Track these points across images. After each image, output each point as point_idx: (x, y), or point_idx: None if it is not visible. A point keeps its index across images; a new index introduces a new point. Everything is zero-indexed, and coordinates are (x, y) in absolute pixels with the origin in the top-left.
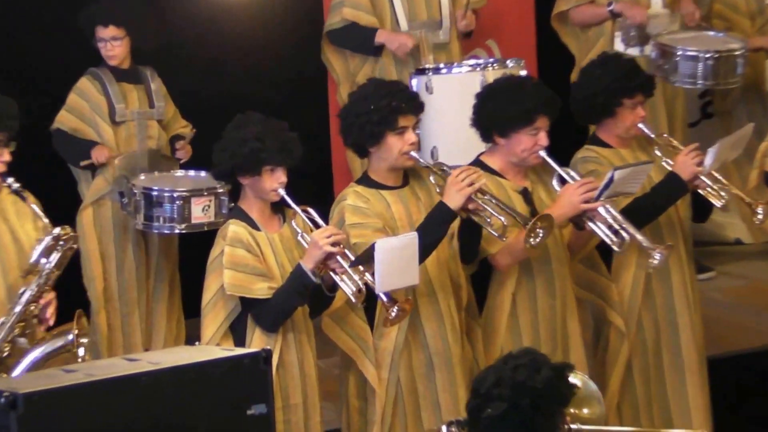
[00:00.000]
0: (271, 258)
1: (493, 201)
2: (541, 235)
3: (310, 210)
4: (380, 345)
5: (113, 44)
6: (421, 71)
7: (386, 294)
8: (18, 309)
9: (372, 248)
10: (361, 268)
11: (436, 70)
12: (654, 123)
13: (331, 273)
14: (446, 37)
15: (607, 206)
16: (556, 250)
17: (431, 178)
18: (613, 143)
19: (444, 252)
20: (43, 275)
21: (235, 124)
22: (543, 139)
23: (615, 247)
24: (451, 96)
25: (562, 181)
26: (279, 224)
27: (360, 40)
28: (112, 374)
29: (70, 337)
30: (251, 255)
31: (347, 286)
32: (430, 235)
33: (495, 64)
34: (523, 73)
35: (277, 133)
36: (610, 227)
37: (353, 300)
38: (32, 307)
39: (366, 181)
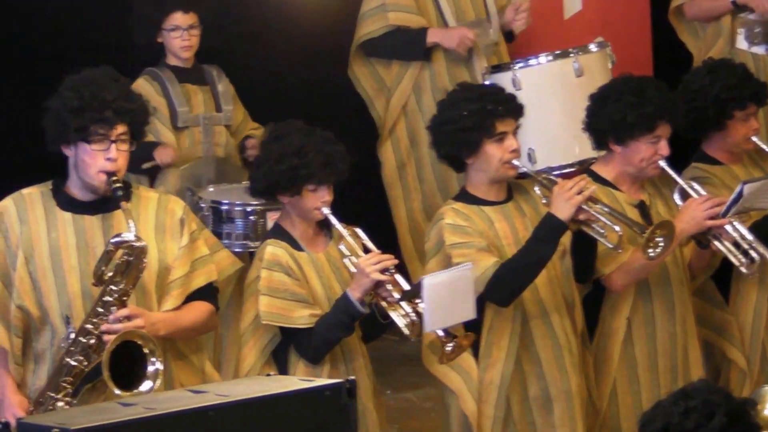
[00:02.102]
0: (315, 281)
1: (606, 210)
2: (661, 245)
3: (359, 231)
4: (485, 377)
5: (192, 33)
6: (500, 67)
7: (443, 329)
8: (85, 321)
9: (420, 284)
10: (415, 300)
11: (517, 62)
12: None
13: (382, 302)
14: (496, 36)
15: (735, 223)
16: (677, 270)
17: (536, 189)
18: (722, 159)
19: (557, 272)
20: (107, 287)
21: (273, 135)
22: (663, 148)
23: (743, 269)
24: (543, 89)
25: (684, 195)
26: (325, 243)
27: (407, 44)
28: (175, 408)
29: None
30: (291, 279)
31: (399, 317)
32: (539, 250)
33: (580, 49)
34: (611, 58)
35: (320, 146)
36: (737, 246)
37: (406, 332)
38: (100, 321)
39: (465, 197)
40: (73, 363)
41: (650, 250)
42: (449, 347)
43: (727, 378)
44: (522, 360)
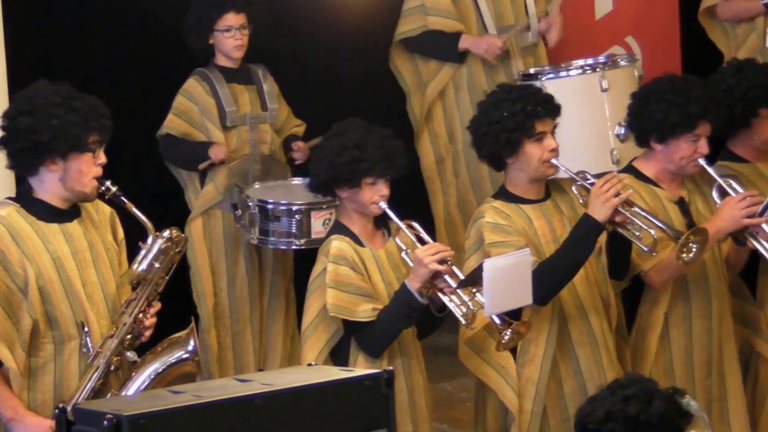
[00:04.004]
0: (376, 276)
1: (642, 213)
2: (694, 250)
3: (415, 224)
4: (523, 373)
5: (243, 33)
6: (530, 75)
7: (499, 316)
8: (128, 320)
9: (480, 268)
10: (472, 289)
11: (542, 74)
12: None
13: (439, 293)
14: (535, 38)
15: None
16: (714, 267)
17: (573, 188)
18: (748, 157)
19: (593, 269)
20: (152, 282)
21: (334, 132)
22: (703, 146)
23: None
24: (569, 102)
25: (722, 193)
26: (383, 239)
27: (441, 46)
28: (222, 396)
29: (191, 345)
30: (355, 273)
31: (456, 307)
32: (576, 251)
33: (607, 63)
34: (638, 72)
35: (380, 141)
36: None
37: (464, 322)
38: (140, 317)
39: (504, 195)
40: (105, 362)
41: (684, 254)
42: (507, 335)
43: (756, 372)
44: (558, 357)
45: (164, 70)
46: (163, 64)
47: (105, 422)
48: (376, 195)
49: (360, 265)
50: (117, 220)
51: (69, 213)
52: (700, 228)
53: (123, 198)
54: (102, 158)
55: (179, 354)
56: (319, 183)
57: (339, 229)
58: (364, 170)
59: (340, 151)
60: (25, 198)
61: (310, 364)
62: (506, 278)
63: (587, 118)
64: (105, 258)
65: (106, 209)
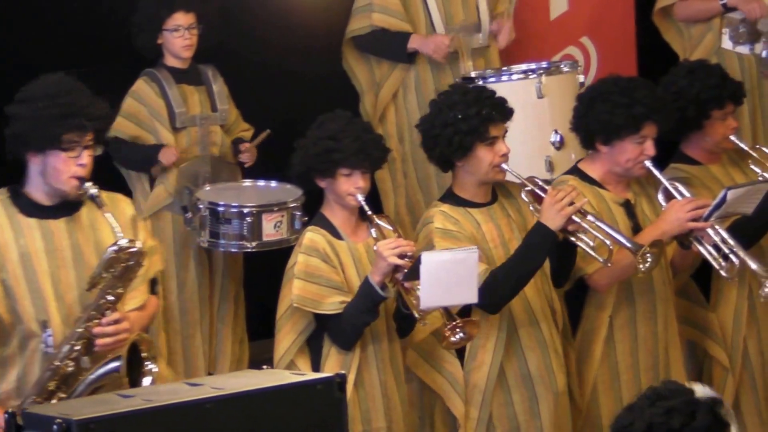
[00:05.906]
0: (351, 269)
1: (598, 223)
2: (649, 260)
3: (388, 219)
4: (470, 380)
5: (192, 32)
6: (470, 79)
7: (446, 310)
8: (78, 325)
9: (420, 261)
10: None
11: (484, 79)
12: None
13: (400, 288)
14: (485, 40)
15: (717, 227)
16: (659, 270)
17: (522, 194)
18: (701, 159)
19: (540, 276)
20: (104, 290)
21: (317, 123)
22: (649, 148)
23: (723, 273)
24: None
25: (668, 196)
26: (366, 233)
27: (390, 46)
28: (173, 400)
29: (117, 363)
30: (327, 266)
31: (411, 301)
32: (529, 260)
33: (549, 69)
34: (581, 78)
35: (357, 133)
36: (718, 250)
37: (416, 315)
38: (93, 324)
39: (452, 198)
40: (60, 364)
41: (641, 266)
42: (456, 337)
43: (710, 375)
44: (506, 364)
45: (114, 71)
46: (113, 65)
47: (54, 427)
48: (352, 187)
49: (333, 257)
50: (140, 224)
51: (55, 209)
52: (658, 241)
53: (98, 200)
54: (83, 159)
55: (103, 371)
56: (297, 172)
57: (319, 220)
58: (337, 161)
59: (316, 140)
60: (16, 189)
61: (261, 367)
62: (446, 273)
63: (522, 124)
64: (92, 261)
65: (128, 212)
